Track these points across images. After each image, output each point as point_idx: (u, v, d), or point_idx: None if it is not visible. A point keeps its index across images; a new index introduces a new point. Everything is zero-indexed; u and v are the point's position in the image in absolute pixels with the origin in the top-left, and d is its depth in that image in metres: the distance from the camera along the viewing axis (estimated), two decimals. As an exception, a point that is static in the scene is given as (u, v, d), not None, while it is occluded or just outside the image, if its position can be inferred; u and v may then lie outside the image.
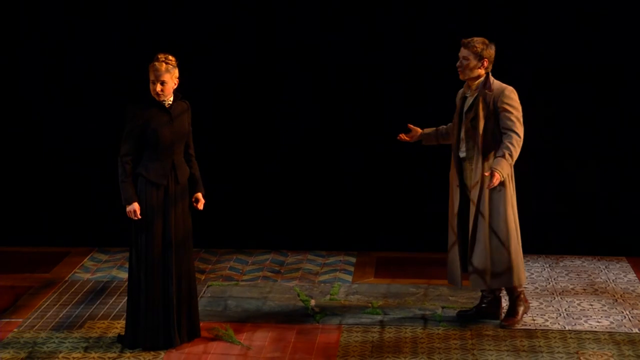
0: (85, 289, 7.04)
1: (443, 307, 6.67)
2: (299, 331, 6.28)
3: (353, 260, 7.77)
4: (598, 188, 7.86)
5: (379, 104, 7.83)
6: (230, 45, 7.82)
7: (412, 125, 6.60)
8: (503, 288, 6.39)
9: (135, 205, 5.83)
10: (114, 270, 7.47)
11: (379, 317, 6.50)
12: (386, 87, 7.82)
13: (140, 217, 5.83)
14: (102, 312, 6.56)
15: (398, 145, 7.79)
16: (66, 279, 7.26)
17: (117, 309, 6.60)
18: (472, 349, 5.98)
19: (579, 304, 6.76)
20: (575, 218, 7.87)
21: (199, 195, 6.07)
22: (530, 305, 6.56)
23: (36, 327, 6.30)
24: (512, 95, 6.23)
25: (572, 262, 7.72)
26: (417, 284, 7.17)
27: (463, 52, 6.26)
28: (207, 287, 7.10)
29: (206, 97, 7.80)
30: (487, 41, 6.28)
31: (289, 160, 7.94)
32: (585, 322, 6.43)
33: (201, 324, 6.22)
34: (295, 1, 7.77)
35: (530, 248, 7.85)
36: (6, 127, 8.00)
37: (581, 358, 5.86)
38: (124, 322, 6.11)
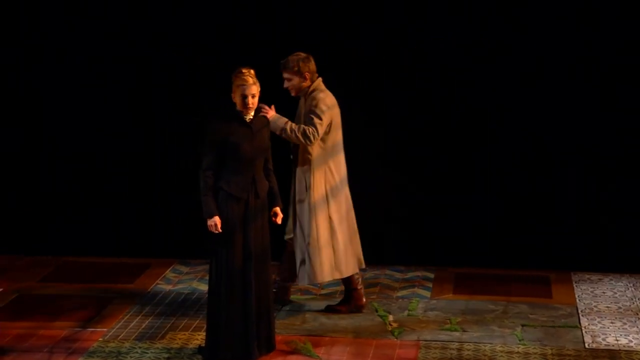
0: (167, 300, 7.16)
1: (523, 325, 6.58)
2: (376, 346, 6.27)
3: (431, 275, 7.72)
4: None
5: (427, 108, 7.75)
6: (234, 45, 7.81)
7: None
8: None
9: (217, 219, 5.91)
10: (194, 282, 7.58)
11: (458, 334, 6.46)
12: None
13: (221, 230, 5.92)
14: (183, 324, 6.66)
15: (480, 158, 7.77)
16: (149, 290, 7.40)
17: (197, 321, 6.69)
18: (552, 368, 5.90)
19: (663, 324, 6.60)
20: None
21: (277, 209, 6.13)
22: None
23: (120, 337, 6.43)
24: (317, 102, 6.41)
25: (657, 281, 7.55)
26: (496, 300, 7.10)
27: (284, 74, 6.52)
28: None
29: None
30: (302, 55, 6.47)
31: (367, 174, 7.93)
32: (670, 343, 6.28)
33: (279, 337, 6.27)
34: (295, 1, 7.77)
35: (614, 267, 7.71)
36: (94, 140, 8.14)
37: (665, 380, 5.73)
38: (204, 333, 6.19)
